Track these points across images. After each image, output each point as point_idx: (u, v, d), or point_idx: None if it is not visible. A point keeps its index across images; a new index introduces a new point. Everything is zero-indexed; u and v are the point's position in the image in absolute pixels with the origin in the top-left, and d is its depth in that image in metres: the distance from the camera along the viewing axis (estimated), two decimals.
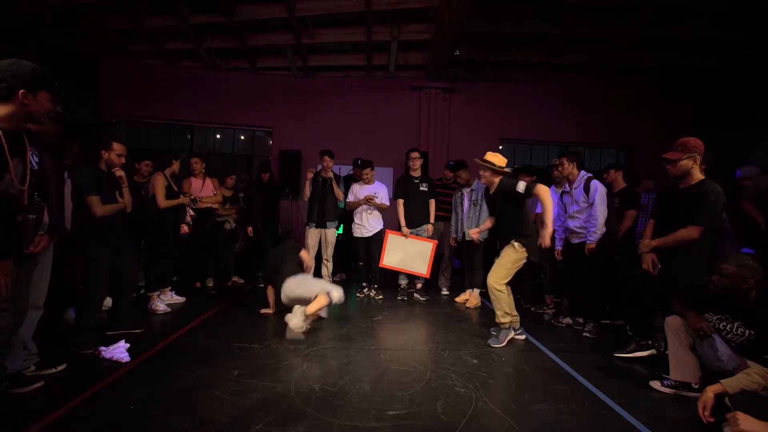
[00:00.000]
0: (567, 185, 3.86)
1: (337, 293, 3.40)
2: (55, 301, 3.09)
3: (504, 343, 3.29)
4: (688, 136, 2.76)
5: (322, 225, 4.87)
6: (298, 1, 5.56)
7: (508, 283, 3.39)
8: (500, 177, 3.43)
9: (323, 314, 3.63)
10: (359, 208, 4.82)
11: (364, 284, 4.96)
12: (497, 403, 2.32)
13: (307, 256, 4.18)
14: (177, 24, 5.92)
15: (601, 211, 3.53)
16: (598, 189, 3.56)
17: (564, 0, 5.24)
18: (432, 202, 4.86)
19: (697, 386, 2.43)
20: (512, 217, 3.38)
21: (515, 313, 3.42)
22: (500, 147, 7.63)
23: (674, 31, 5.67)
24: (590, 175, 3.71)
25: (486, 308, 4.43)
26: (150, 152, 5.35)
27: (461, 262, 5.22)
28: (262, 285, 4.91)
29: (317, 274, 4.68)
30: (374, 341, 3.36)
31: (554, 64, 6.84)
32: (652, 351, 3.07)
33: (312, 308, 3.28)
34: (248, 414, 2.09)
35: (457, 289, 5.17)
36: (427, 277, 4.88)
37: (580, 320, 3.87)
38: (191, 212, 4.35)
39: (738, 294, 2.25)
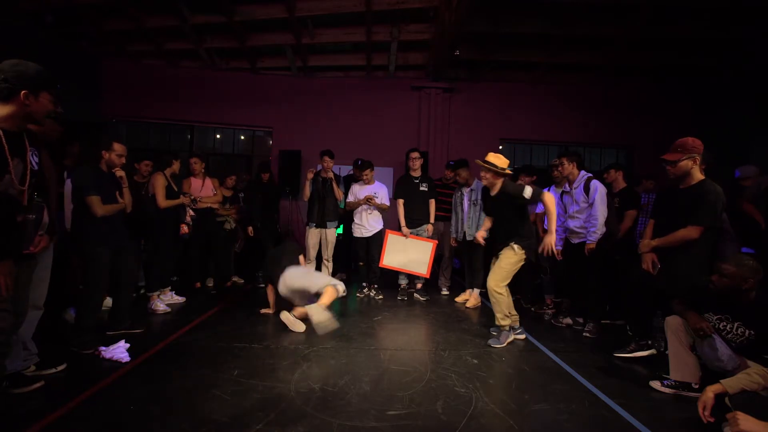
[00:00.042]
0: (567, 185, 3.85)
1: (341, 286, 3.51)
2: (55, 301, 3.09)
3: (504, 344, 3.29)
4: (687, 137, 2.76)
5: (322, 225, 4.87)
6: (298, 1, 5.56)
7: (508, 284, 3.39)
8: (502, 179, 3.40)
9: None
10: (359, 208, 4.82)
11: (364, 284, 4.97)
12: (497, 403, 2.32)
13: (304, 262, 4.22)
14: (177, 24, 5.93)
15: (601, 211, 3.53)
16: (598, 189, 3.56)
17: (564, 0, 5.24)
18: (432, 202, 4.86)
19: (697, 386, 2.43)
20: (513, 220, 3.37)
21: (514, 312, 3.43)
22: (500, 147, 7.64)
23: (674, 31, 5.67)
24: (590, 175, 3.71)
25: (486, 308, 4.43)
26: (150, 152, 5.35)
27: (461, 262, 5.23)
28: (262, 285, 4.91)
29: None
30: (374, 341, 3.36)
31: (554, 64, 6.85)
32: (652, 351, 3.07)
33: (326, 301, 3.32)
34: (248, 414, 2.09)
35: (457, 289, 5.17)
36: (427, 277, 4.88)
37: (580, 320, 3.87)
38: (191, 212, 4.35)
39: (738, 294, 2.25)
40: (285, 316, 3.52)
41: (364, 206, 4.78)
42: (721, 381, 1.99)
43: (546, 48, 6.35)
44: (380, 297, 4.78)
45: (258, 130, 7.78)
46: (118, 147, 3.11)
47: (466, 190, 4.68)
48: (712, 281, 2.32)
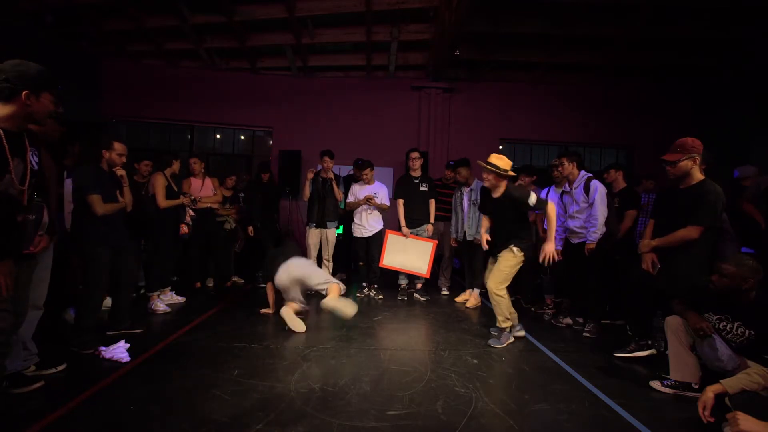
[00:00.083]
0: (567, 185, 3.85)
1: (341, 285, 3.68)
2: (55, 301, 3.09)
3: (504, 345, 3.29)
4: (687, 137, 2.76)
5: (322, 225, 4.88)
6: (298, 1, 5.56)
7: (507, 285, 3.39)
8: (505, 181, 3.35)
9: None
10: (359, 208, 4.82)
11: (364, 284, 4.97)
12: (497, 403, 2.32)
13: None
14: (177, 24, 5.92)
15: (601, 211, 3.53)
16: (598, 189, 3.56)
17: (564, 0, 5.24)
18: (432, 202, 4.86)
19: (697, 386, 2.43)
20: (514, 222, 3.36)
21: (513, 311, 3.43)
22: (500, 147, 7.64)
23: (674, 31, 5.67)
24: (590, 175, 3.71)
25: (486, 308, 4.43)
26: (150, 152, 5.35)
27: (461, 262, 5.22)
28: (262, 285, 4.91)
29: None
30: (374, 341, 3.36)
31: (554, 64, 6.84)
32: (652, 351, 3.07)
33: (334, 294, 3.44)
34: (248, 414, 2.09)
35: (457, 289, 5.16)
36: (427, 277, 4.88)
37: (580, 320, 3.87)
38: (191, 212, 4.36)
39: (738, 294, 2.25)
40: (286, 312, 3.50)
41: (364, 206, 4.78)
42: (721, 381, 1.99)
43: (546, 48, 6.34)
44: (380, 297, 4.78)
45: (258, 130, 7.78)
46: (118, 146, 3.12)
47: (465, 190, 4.68)
48: (712, 281, 2.32)
